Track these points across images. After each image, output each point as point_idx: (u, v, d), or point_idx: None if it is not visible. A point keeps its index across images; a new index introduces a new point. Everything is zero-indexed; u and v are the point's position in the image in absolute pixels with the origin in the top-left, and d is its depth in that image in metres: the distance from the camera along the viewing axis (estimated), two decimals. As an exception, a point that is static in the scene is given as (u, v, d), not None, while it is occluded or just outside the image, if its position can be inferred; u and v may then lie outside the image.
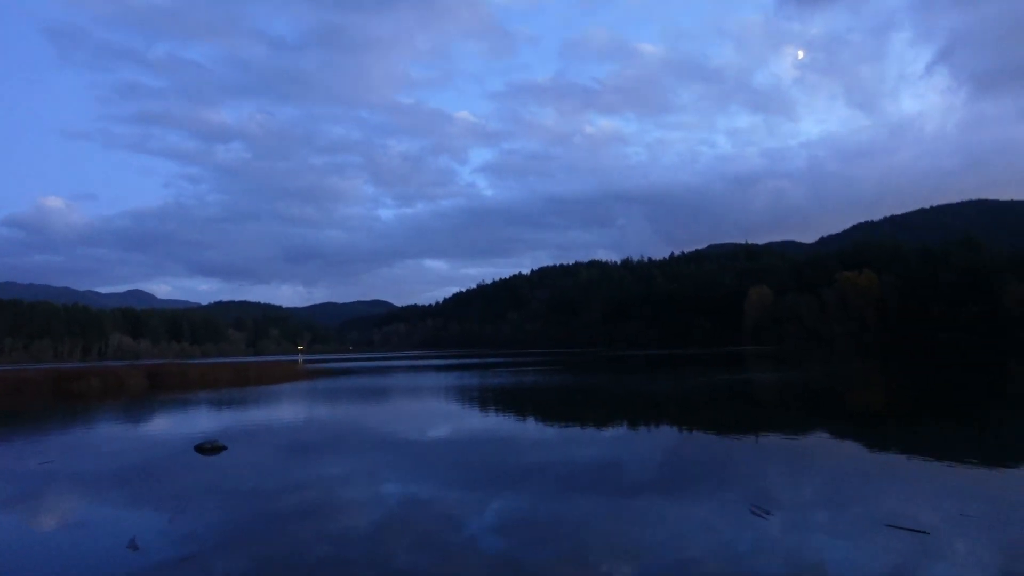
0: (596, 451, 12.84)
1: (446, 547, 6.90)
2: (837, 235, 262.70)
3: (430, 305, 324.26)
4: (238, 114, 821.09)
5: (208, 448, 13.71)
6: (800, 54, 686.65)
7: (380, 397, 28.55)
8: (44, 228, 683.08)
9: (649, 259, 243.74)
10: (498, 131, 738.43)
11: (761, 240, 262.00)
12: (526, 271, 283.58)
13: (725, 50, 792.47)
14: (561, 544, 6.90)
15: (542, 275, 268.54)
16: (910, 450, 11.60)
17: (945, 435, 13.54)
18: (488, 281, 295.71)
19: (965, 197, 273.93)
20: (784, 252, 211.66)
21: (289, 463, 12.45)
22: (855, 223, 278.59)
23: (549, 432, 15.80)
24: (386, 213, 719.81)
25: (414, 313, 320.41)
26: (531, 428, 16.71)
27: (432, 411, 22.16)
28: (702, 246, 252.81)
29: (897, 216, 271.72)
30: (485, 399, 25.43)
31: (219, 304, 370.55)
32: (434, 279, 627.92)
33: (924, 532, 6.78)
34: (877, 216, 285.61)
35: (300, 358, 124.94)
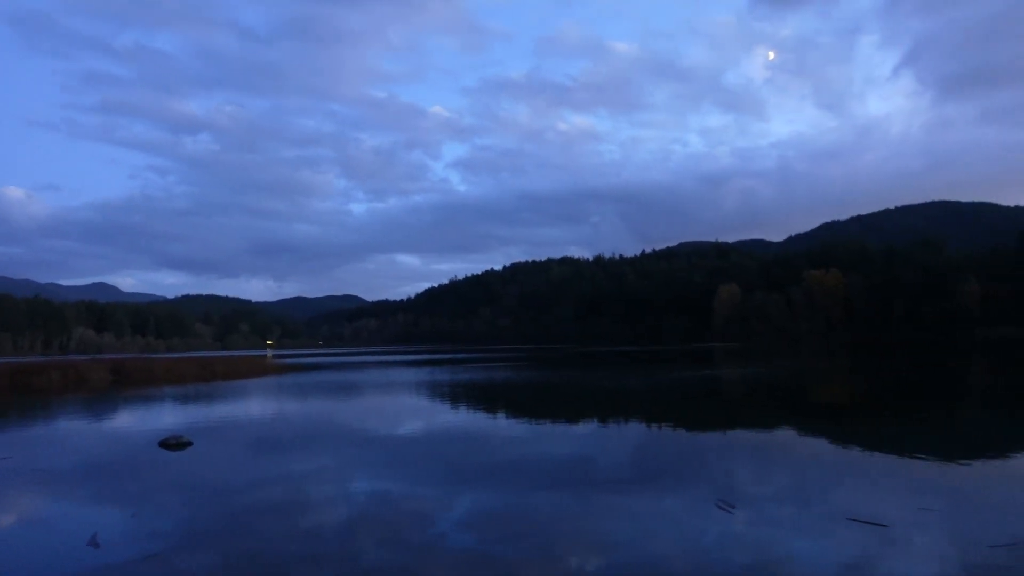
0: (566, 447, 12.93)
1: (416, 543, 6.88)
2: (805, 234, 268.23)
3: (402, 300, 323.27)
4: (207, 105, 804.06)
5: (173, 443, 13.50)
6: (771, 55, 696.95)
7: (350, 392, 28.34)
8: (5, 219, 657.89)
9: (621, 256, 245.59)
10: (471, 126, 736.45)
11: (731, 238, 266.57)
12: (498, 267, 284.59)
13: (698, 50, 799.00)
14: (531, 539, 6.93)
15: (514, 271, 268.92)
16: (872, 446, 11.88)
17: (906, 431, 13.89)
18: (460, 277, 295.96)
19: (929, 198, 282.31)
20: (753, 251, 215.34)
21: (256, 459, 12.32)
22: (823, 222, 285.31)
23: (519, 428, 15.84)
24: (358, 207, 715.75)
25: (385, 308, 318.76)
26: (501, 424, 16.73)
27: (402, 407, 22.07)
28: (673, 244, 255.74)
29: (863, 216, 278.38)
30: (456, 395, 25.40)
31: (186, 298, 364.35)
32: (406, 274, 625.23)
33: (883, 525, 6.95)
34: (844, 216, 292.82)
35: (269, 353, 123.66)
